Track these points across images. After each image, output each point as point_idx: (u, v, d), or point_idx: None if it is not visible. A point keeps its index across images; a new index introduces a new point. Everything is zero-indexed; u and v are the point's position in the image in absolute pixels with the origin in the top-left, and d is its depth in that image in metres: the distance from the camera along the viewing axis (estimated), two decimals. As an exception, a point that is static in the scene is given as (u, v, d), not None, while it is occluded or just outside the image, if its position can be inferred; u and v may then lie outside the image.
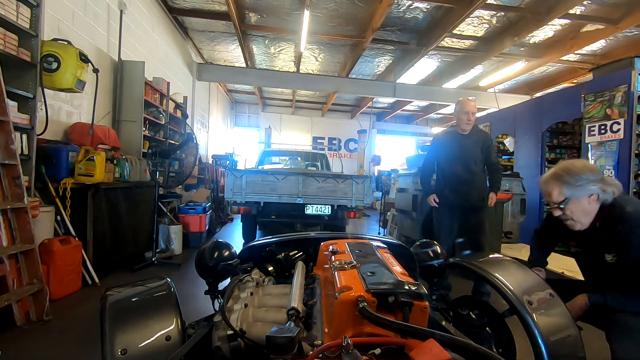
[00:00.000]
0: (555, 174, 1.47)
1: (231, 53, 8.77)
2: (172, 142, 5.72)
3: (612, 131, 3.90)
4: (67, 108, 3.82)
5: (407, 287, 0.83)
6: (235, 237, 5.90)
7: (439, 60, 8.37)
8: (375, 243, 1.28)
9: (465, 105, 3.03)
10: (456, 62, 8.42)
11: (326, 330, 0.87)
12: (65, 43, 3.20)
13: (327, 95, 11.82)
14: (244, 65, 9.16)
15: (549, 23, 5.92)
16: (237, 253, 1.37)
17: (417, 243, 1.52)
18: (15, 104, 2.80)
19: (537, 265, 1.79)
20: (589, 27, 6.20)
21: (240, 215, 4.74)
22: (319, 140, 14.48)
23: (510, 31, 6.45)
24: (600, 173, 1.47)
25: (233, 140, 13.29)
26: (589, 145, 4.14)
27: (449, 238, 3.09)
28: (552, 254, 1.87)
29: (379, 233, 6.46)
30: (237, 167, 7.49)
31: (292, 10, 6.29)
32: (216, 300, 1.28)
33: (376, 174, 11.45)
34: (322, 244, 1.28)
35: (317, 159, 6.80)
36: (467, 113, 3.01)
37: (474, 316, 1.46)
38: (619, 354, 1.42)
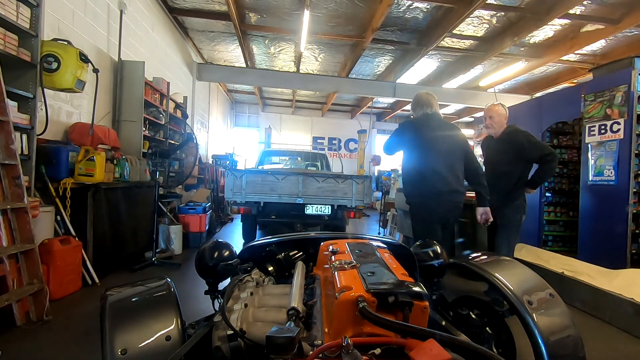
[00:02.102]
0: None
1: (231, 53, 8.77)
2: (172, 142, 5.72)
3: (612, 131, 3.89)
4: (67, 108, 3.82)
5: (407, 287, 0.83)
6: (235, 237, 5.90)
7: (439, 60, 8.37)
8: (375, 243, 1.28)
9: (484, 109, 3.14)
10: (456, 62, 8.41)
11: (326, 330, 0.87)
12: (65, 43, 3.20)
13: (327, 95, 11.81)
14: (244, 65, 9.16)
15: (549, 23, 5.91)
16: (237, 253, 1.37)
17: (417, 243, 1.52)
18: (15, 104, 2.79)
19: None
20: (589, 27, 6.20)
21: (240, 215, 4.73)
22: (319, 140, 14.48)
23: (510, 31, 6.45)
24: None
25: (233, 140, 13.28)
26: (589, 145, 4.14)
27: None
28: (553, 253, 1.87)
29: (379, 233, 6.46)
30: (237, 167, 7.49)
31: (292, 10, 6.29)
32: (216, 300, 1.28)
33: (376, 174, 11.47)
34: (322, 244, 1.28)
35: (317, 159, 6.79)
36: (484, 117, 3.08)
37: (474, 316, 1.46)
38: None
